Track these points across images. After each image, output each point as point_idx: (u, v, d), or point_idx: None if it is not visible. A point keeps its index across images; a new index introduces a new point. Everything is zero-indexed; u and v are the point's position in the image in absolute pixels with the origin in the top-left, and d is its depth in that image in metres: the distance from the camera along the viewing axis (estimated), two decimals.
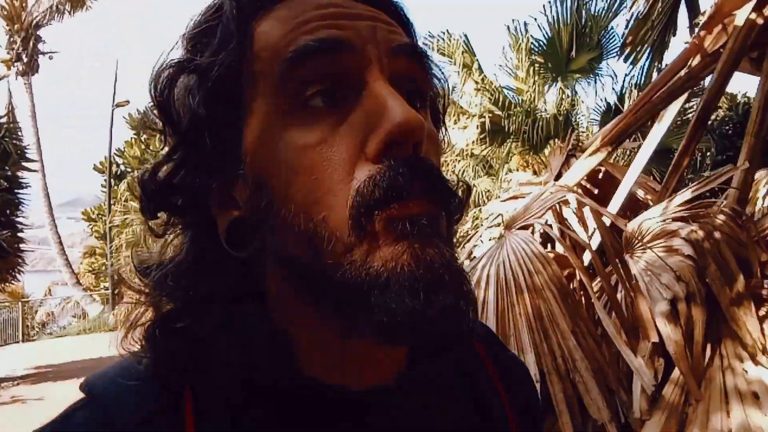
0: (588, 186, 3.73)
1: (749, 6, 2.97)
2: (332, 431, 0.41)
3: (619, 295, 2.29)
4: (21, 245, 8.27)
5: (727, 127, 6.97)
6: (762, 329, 2.01)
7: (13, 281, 9.31)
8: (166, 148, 0.42)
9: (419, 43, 0.47)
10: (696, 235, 2.11)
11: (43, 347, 11.59)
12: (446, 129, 0.52)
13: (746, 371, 1.93)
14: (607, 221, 2.69)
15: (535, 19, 6.59)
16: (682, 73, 3.20)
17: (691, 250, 2.09)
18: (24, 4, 15.58)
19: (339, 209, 0.36)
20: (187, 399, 0.39)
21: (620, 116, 3.63)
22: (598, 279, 2.37)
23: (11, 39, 15.62)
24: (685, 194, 2.49)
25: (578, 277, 2.42)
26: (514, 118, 6.20)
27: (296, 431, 0.40)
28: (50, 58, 16.44)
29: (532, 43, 6.72)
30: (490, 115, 6.31)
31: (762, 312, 2.11)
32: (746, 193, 2.50)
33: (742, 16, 2.98)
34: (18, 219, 8.22)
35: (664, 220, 2.38)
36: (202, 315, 0.40)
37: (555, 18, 6.47)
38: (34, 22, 15.59)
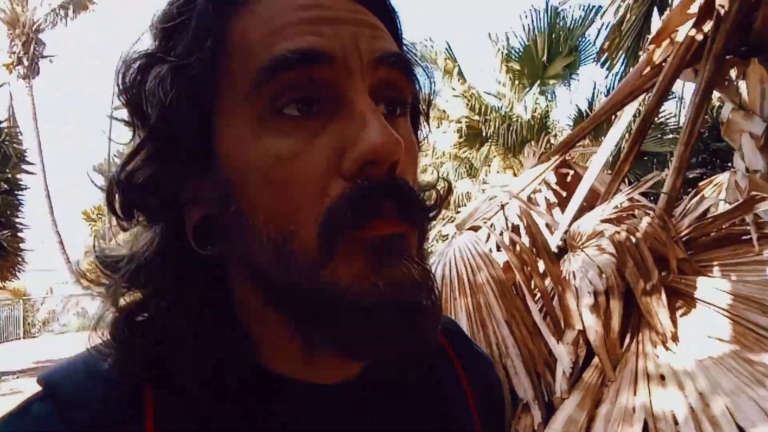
0: (558, 189, 3.97)
1: (690, 23, 3.21)
2: (295, 425, 0.42)
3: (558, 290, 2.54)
4: (21, 245, 8.57)
5: (701, 130, 7.20)
6: (674, 319, 2.25)
7: (13, 279, 9.60)
8: (134, 141, 0.41)
9: (404, 37, 0.46)
10: (618, 236, 2.35)
11: (44, 344, 11.87)
12: (429, 127, 0.51)
13: (657, 356, 2.17)
14: (569, 221, 2.92)
15: (513, 31, 6.84)
16: (629, 84, 3.44)
17: (613, 249, 2.33)
18: (24, 9, 15.85)
19: (309, 225, 0.35)
20: (148, 395, 0.39)
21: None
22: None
23: (12, 43, 15.89)
24: (619, 197, 2.73)
25: (526, 273, 2.66)
26: (491, 123, 6.46)
27: (258, 426, 0.40)
28: (50, 61, 16.72)
29: (509, 50, 6.97)
30: (467, 120, 6.57)
31: (679, 304, 2.35)
32: (676, 196, 2.73)
33: (683, 32, 3.22)
34: (18, 219, 8.52)
35: (598, 222, 2.62)
36: (167, 310, 0.40)
37: (531, 26, 6.72)
38: (35, 26, 15.86)
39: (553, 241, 2.86)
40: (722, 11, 2.93)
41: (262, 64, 0.36)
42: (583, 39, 6.80)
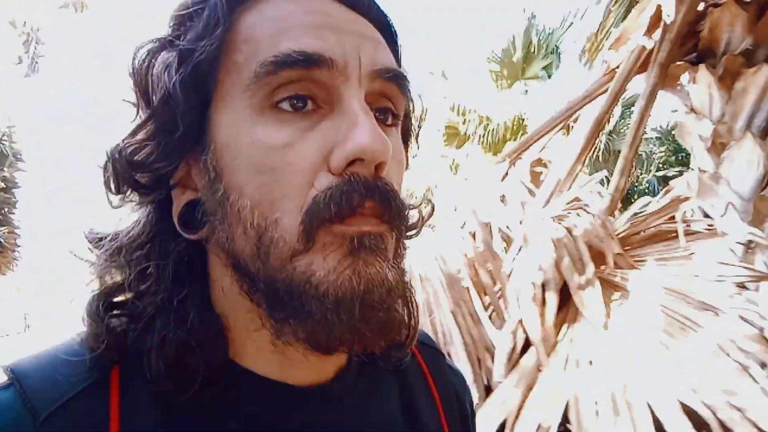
0: (531, 187, 4.14)
1: (641, 31, 3.37)
2: (258, 423, 0.41)
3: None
4: (18, 241, 8.79)
5: None
6: (609, 309, 2.43)
7: (8, 273, 9.82)
8: (137, 121, 0.42)
9: (402, 51, 0.48)
10: (557, 233, 2.53)
11: (43, 339, 12.08)
12: (417, 144, 0.53)
13: (587, 344, 2.35)
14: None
15: (495, 33, 6.98)
16: (589, 87, 3.62)
17: (552, 245, 2.51)
18: (25, 8, 16.00)
19: (293, 214, 0.37)
20: (114, 381, 0.39)
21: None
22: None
23: (12, 41, 16.06)
24: (565, 196, 2.91)
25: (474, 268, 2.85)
26: (470, 123, 6.64)
27: (219, 418, 0.40)
28: (50, 60, 16.89)
29: (490, 52, 7.15)
30: (448, 120, 6.75)
31: (615, 296, 2.53)
32: (620, 195, 2.91)
33: (634, 40, 3.38)
34: (15, 217, 8.74)
35: (542, 219, 2.80)
36: (144, 291, 0.40)
37: (511, 29, 6.88)
38: (35, 26, 16.02)
39: (518, 237, 3.04)
40: (668, 20, 3.09)
41: (267, 59, 0.37)
42: (566, 39, 6.97)
